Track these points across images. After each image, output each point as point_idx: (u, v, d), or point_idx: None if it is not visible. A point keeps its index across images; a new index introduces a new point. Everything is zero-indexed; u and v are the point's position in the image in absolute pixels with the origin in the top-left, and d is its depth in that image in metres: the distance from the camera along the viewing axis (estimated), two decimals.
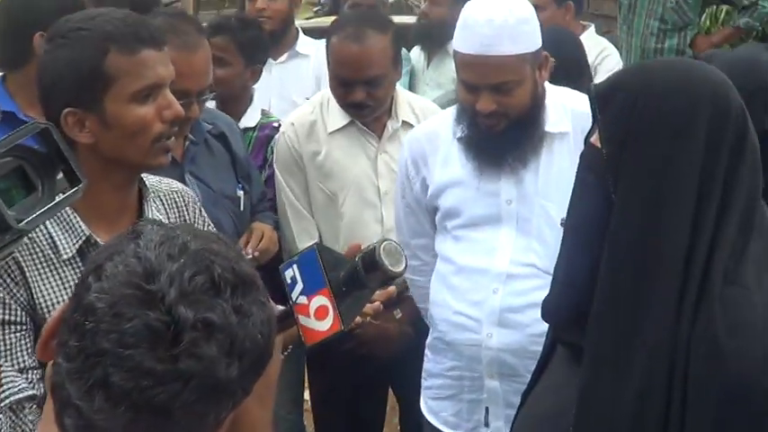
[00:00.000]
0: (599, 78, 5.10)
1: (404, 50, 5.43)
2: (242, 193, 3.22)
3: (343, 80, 3.24)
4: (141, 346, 1.05)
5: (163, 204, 2.23)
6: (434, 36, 5.35)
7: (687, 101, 1.76)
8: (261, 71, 3.77)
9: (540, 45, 2.71)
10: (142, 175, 2.17)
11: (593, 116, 1.87)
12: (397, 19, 6.88)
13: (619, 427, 1.78)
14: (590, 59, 5.17)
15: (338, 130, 3.35)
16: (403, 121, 3.37)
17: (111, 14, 2.01)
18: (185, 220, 2.26)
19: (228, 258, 1.15)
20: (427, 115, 3.36)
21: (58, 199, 1.60)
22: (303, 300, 1.57)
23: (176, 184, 2.34)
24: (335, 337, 1.55)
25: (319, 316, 1.57)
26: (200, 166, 3.05)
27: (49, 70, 2.00)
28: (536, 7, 5.21)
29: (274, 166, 3.45)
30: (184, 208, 2.29)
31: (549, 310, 2.04)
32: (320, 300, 1.58)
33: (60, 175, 1.63)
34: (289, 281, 1.59)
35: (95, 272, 1.11)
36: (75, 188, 1.62)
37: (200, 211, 2.35)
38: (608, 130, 1.81)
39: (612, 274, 1.79)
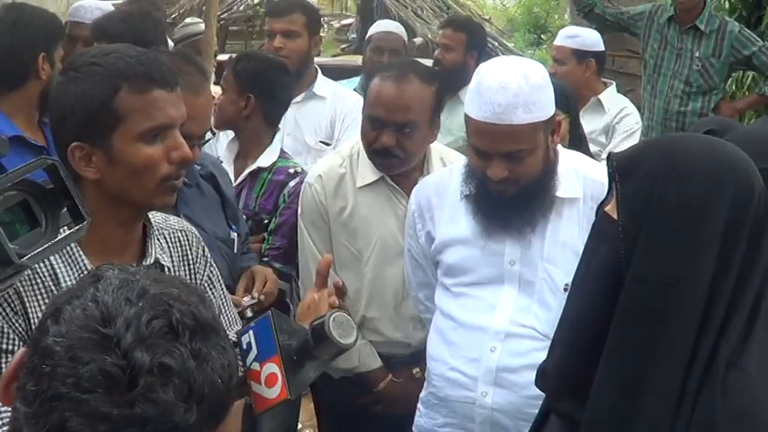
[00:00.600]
0: (616, 138, 5.10)
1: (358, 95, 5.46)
2: (235, 235, 3.18)
3: (375, 120, 3.13)
4: (97, 391, 1.05)
5: (167, 242, 2.22)
6: (448, 83, 5.34)
7: (708, 186, 1.73)
8: (258, 103, 3.70)
9: (554, 111, 2.65)
10: (149, 213, 2.17)
11: (610, 185, 1.84)
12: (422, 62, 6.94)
13: None
14: (609, 118, 5.20)
15: (367, 185, 3.24)
16: None
17: (125, 51, 2.00)
18: (188, 260, 2.26)
19: (188, 303, 1.14)
20: None
21: (61, 235, 1.61)
22: (256, 366, 1.64)
23: (181, 223, 2.33)
24: (282, 404, 1.61)
25: (269, 383, 1.63)
26: (194, 209, 3.01)
27: (60, 103, 2.00)
28: (556, 61, 5.29)
29: (299, 218, 3.35)
30: (188, 247, 2.27)
31: (544, 376, 2.01)
32: (271, 367, 1.65)
33: (64, 210, 1.63)
34: (245, 346, 1.68)
35: (53, 315, 1.11)
36: (79, 226, 1.65)
37: (204, 250, 2.32)
38: (626, 204, 1.78)
39: (617, 352, 1.76)
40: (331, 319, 1.65)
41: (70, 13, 4.44)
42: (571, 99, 3.97)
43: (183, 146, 2.02)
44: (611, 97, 5.31)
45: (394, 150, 3.11)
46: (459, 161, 3.25)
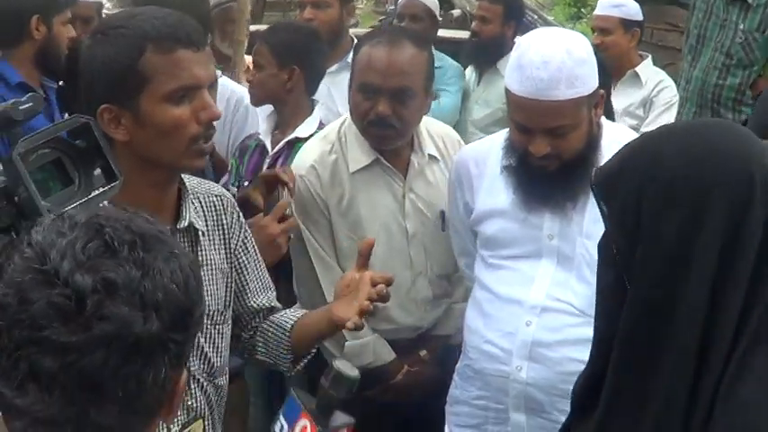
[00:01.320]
0: (654, 111, 5.03)
1: (460, 66, 5.42)
2: None
3: (368, 88, 2.97)
4: (53, 325, 1.07)
5: (201, 206, 2.23)
6: (485, 54, 5.33)
7: (697, 190, 1.57)
8: (300, 74, 3.70)
9: (597, 84, 2.60)
10: (183, 176, 2.18)
11: (600, 205, 1.71)
12: (459, 34, 6.91)
13: None
14: (646, 91, 5.14)
15: (361, 169, 3.09)
16: (429, 155, 3.16)
17: (151, 13, 2.02)
18: (223, 224, 2.27)
19: (120, 219, 1.17)
20: (448, 144, 3.22)
21: (93, 194, 1.60)
22: None
23: (216, 188, 2.34)
24: None
25: None
26: None
27: (88, 66, 2.02)
28: (603, 30, 5.22)
29: (294, 214, 3.12)
30: (222, 212, 2.28)
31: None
32: (302, 422, 1.86)
33: (98, 171, 1.63)
34: (278, 429, 1.91)
35: None
36: (112, 185, 1.63)
37: (238, 215, 2.34)
38: (616, 226, 1.66)
39: (619, 373, 1.66)
40: (337, 366, 1.86)
41: None
42: (607, 72, 3.93)
43: (211, 106, 2.02)
44: (648, 70, 5.27)
45: (390, 120, 2.96)
46: (449, 136, 3.27)
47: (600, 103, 2.66)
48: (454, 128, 5.43)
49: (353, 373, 1.86)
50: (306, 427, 1.87)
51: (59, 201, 1.55)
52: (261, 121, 3.88)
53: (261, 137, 3.72)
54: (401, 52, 2.98)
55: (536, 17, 9.56)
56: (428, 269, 3.16)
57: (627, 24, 5.27)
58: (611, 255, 1.67)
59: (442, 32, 6.37)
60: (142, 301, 1.10)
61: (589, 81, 2.56)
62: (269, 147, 3.66)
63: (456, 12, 10.23)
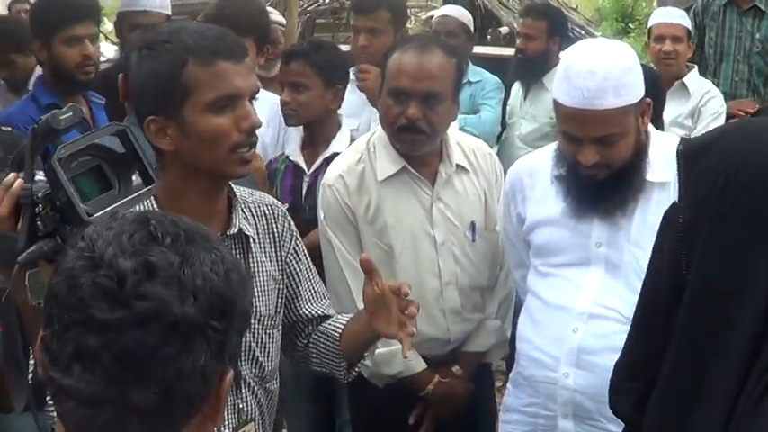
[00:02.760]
0: (703, 122, 5.01)
1: (499, 81, 5.45)
2: None
3: (399, 93, 2.99)
4: (96, 304, 1.11)
5: (252, 215, 2.29)
6: (531, 70, 5.36)
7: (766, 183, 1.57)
8: (343, 92, 3.75)
9: (644, 92, 2.63)
10: (234, 187, 2.24)
11: (678, 176, 1.71)
12: (505, 51, 6.94)
13: None
14: (694, 102, 5.12)
15: (389, 178, 3.09)
16: (457, 165, 3.16)
17: (194, 28, 2.11)
18: (274, 233, 2.33)
19: (167, 216, 1.22)
20: (479, 157, 3.23)
21: (131, 196, 1.67)
22: None
23: (267, 198, 2.40)
24: None
25: None
26: None
27: (136, 80, 2.11)
28: (675, 39, 5.18)
29: (323, 222, 3.16)
30: (273, 221, 2.34)
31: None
32: None
33: (136, 176, 1.69)
34: None
35: (54, 271, 1.20)
36: (149, 187, 1.70)
37: (290, 224, 2.39)
38: (688, 196, 1.67)
39: (676, 360, 1.65)
40: None
41: (128, 2, 4.53)
42: (659, 84, 3.95)
43: (251, 114, 2.08)
44: (695, 80, 5.25)
45: (420, 125, 2.98)
46: (480, 149, 3.27)
47: (647, 111, 2.68)
48: (502, 143, 5.53)
49: None
50: None
51: (100, 205, 1.61)
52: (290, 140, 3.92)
53: (290, 157, 3.75)
54: (431, 58, 3.01)
55: (583, 33, 9.57)
56: (458, 279, 3.16)
57: (689, 34, 5.30)
58: (675, 226, 1.67)
59: (488, 50, 6.42)
60: (180, 284, 1.13)
61: (635, 90, 2.59)
62: (303, 166, 3.70)
63: (504, 29, 10.27)
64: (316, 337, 2.44)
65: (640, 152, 2.66)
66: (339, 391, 3.77)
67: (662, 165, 2.68)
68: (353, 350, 2.41)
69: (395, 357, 3.12)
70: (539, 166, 2.88)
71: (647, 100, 2.67)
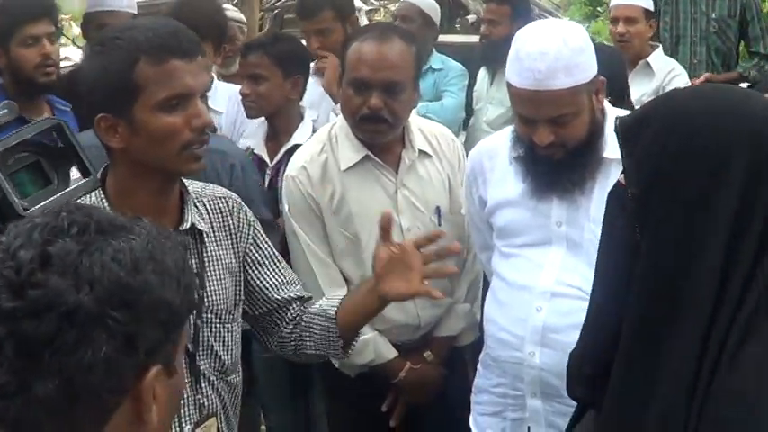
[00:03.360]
0: None
1: (463, 68, 5.46)
2: None
3: (360, 83, 2.99)
4: (1, 295, 1.13)
5: (206, 209, 2.28)
6: (496, 55, 5.36)
7: (721, 141, 1.59)
8: (303, 83, 3.76)
9: (596, 71, 2.64)
10: (186, 182, 2.23)
11: (621, 153, 1.72)
12: (470, 38, 6.95)
13: None
14: (658, 81, 5.14)
15: (352, 167, 3.11)
16: (420, 151, 3.18)
17: (147, 25, 2.09)
18: (229, 226, 2.32)
19: (82, 207, 1.22)
20: (441, 142, 3.25)
21: (68, 189, 1.68)
22: None
23: (221, 190, 2.39)
24: None
25: None
26: None
27: (87, 77, 2.11)
28: (629, 20, 5.21)
29: (287, 214, 3.19)
30: (228, 214, 2.33)
31: (569, 365, 1.93)
32: None
33: (74, 171, 1.68)
34: None
35: None
36: (85, 180, 1.71)
37: (246, 214, 2.38)
38: (633, 171, 1.68)
39: (633, 333, 1.66)
40: None
41: (94, 3, 4.49)
42: (620, 62, 3.96)
43: (203, 113, 2.09)
44: (660, 59, 5.27)
45: (383, 114, 2.99)
46: (443, 134, 3.29)
47: (601, 89, 2.69)
48: (470, 129, 5.54)
49: None
50: None
51: (38, 200, 1.61)
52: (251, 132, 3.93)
53: (255, 150, 3.77)
54: (391, 47, 3.02)
55: (550, 18, 9.57)
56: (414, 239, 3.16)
57: (648, 14, 5.31)
58: (624, 202, 1.69)
59: (455, 38, 6.41)
60: (76, 273, 1.13)
61: (587, 69, 2.60)
62: (266, 158, 3.71)
63: (471, 17, 10.28)
64: (308, 319, 2.43)
65: (596, 130, 2.67)
66: (313, 383, 3.78)
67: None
68: (352, 327, 2.42)
69: (366, 346, 3.13)
70: (497, 149, 2.89)
71: (601, 78, 2.68)
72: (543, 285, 2.72)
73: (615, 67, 3.84)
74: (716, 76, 5.78)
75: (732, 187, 1.57)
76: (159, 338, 1.20)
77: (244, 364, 2.36)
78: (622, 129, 1.70)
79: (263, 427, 4.23)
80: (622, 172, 1.73)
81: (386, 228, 2.36)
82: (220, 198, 2.33)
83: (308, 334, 2.43)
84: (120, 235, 1.19)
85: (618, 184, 1.74)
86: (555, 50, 2.53)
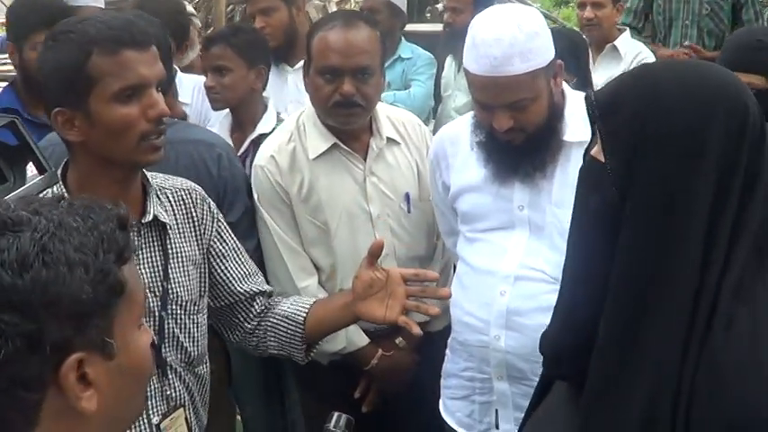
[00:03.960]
0: None
1: (431, 56, 5.48)
2: None
3: (330, 70, 3.01)
4: None
5: (170, 201, 2.29)
6: (460, 43, 5.35)
7: (698, 117, 1.62)
8: (266, 72, 3.77)
9: (553, 55, 2.65)
10: (149, 174, 2.24)
11: (592, 126, 1.75)
12: (436, 27, 6.96)
13: None
14: (626, 64, 5.18)
15: (321, 155, 3.12)
16: (388, 138, 3.19)
17: (100, 18, 2.10)
18: (193, 217, 2.33)
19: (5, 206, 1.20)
20: (409, 129, 3.27)
21: (24, 187, 1.67)
22: None
23: (185, 183, 2.39)
24: None
25: None
26: None
27: (42, 72, 2.11)
28: (595, 4, 5.24)
29: (257, 203, 3.19)
30: (192, 205, 2.34)
31: (547, 344, 1.92)
32: None
33: (30, 167, 1.68)
34: None
35: None
36: (42, 176, 1.69)
37: (210, 206, 2.40)
38: (612, 144, 1.68)
39: (617, 302, 1.68)
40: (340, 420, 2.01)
41: None
42: (582, 46, 3.99)
43: (159, 103, 2.09)
44: (627, 43, 5.31)
45: (356, 99, 3.01)
46: (410, 121, 3.30)
47: (559, 72, 2.70)
48: (439, 116, 5.56)
49: (349, 418, 2.02)
50: None
51: None
52: (216, 124, 3.93)
53: None
54: (358, 32, 3.04)
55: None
56: (395, 251, 3.19)
57: None
58: (602, 177, 1.69)
59: (422, 27, 6.42)
60: None
61: (544, 53, 2.61)
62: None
63: (440, 6, 10.27)
64: (274, 320, 2.45)
65: (555, 114, 2.69)
66: (286, 372, 3.79)
67: (579, 124, 2.69)
68: (319, 333, 2.46)
69: (338, 334, 3.11)
70: (459, 134, 2.91)
71: (558, 62, 2.69)
72: (507, 269, 2.73)
73: (577, 51, 3.88)
74: (704, 51, 5.83)
75: (709, 164, 1.61)
76: (69, 330, 1.18)
77: (224, 357, 2.36)
78: (598, 104, 1.72)
79: (238, 417, 4.23)
80: (586, 150, 1.76)
81: (374, 255, 2.37)
82: (184, 190, 2.34)
83: (272, 334, 2.46)
84: (7, 233, 1.16)
85: (592, 159, 1.74)
86: (510, 36, 2.54)
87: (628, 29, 5.48)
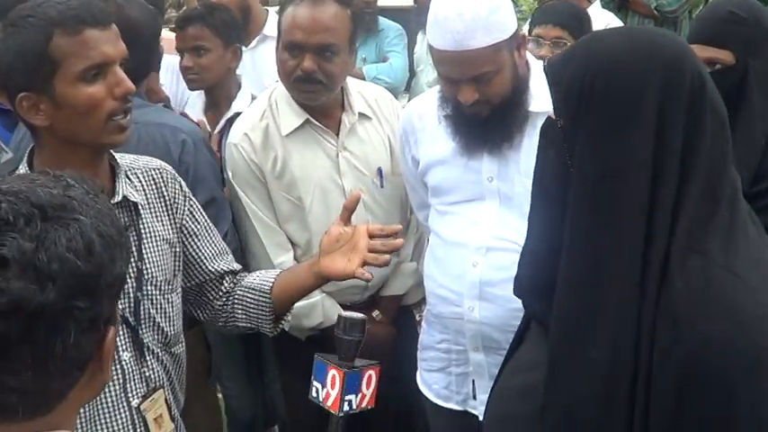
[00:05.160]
0: None
1: (401, 27, 5.49)
2: None
3: (293, 46, 3.04)
4: None
5: (140, 181, 2.29)
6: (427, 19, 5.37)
7: (636, 76, 1.73)
8: (240, 51, 3.79)
9: (516, 26, 2.67)
10: (117, 155, 2.24)
11: (549, 88, 1.86)
12: (404, 2, 6.96)
13: (586, 404, 1.78)
14: None
15: (293, 131, 3.14)
16: (360, 114, 3.22)
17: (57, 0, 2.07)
18: (164, 197, 2.33)
19: (20, 192, 1.18)
20: (381, 105, 3.30)
21: None
22: (324, 390, 2.19)
23: (155, 162, 2.39)
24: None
25: (332, 385, 2.17)
26: None
27: (3, 58, 2.07)
28: None
29: (232, 181, 3.21)
30: (163, 185, 2.34)
31: (519, 284, 2.06)
32: (330, 373, 2.18)
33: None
34: (314, 393, 2.21)
35: None
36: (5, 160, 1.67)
37: (181, 185, 2.39)
38: (560, 103, 1.81)
39: (573, 251, 1.79)
40: (341, 312, 2.23)
41: None
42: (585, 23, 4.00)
43: (124, 81, 2.09)
44: (597, 13, 5.30)
45: (317, 75, 3.03)
46: (383, 97, 3.32)
47: (523, 44, 2.73)
48: (412, 91, 5.57)
49: (359, 316, 2.21)
50: (334, 376, 2.16)
51: None
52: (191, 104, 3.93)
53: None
54: (324, 10, 3.05)
55: None
56: (369, 225, 3.20)
57: None
58: (556, 134, 1.83)
59: (390, 2, 6.42)
60: (37, 271, 1.12)
61: (506, 26, 2.63)
62: (208, 128, 3.70)
63: None
64: (240, 292, 2.46)
65: (520, 85, 2.71)
66: (265, 349, 3.81)
67: (544, 94, 2.72)
68: (285, 302, 2.46)
69: (314, 309, 3.18)
70: (427, 109, 2.93)
71: (522, 33, 2.72)
72: (478, 241, 2.76)
73: (581, 24, 3.90)
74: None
75: (647, 120, 1.71)
76: (113, 307, 1.24)
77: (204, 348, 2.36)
78: (549, 69, 1.84)
79: (219, 395, 4.26)
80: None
81: (349, 209, 2.40)
82: (154, 170, 2.34)
83: (240, 307, 2.47)
84: (66, 219, 1.18)
85: (548, 118, 1.87)
86: (471, 10, 2.57)
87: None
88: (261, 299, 2.44)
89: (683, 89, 1.73)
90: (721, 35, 2.68)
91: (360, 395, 2.18)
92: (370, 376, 2.21)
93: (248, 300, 2.45)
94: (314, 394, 2.20)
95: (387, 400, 3.34)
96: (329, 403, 2.16)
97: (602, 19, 5.30)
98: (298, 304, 3.05)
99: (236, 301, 2.47)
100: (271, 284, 2.44)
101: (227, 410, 4.24)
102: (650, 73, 1.72)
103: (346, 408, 2.16)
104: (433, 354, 2.98)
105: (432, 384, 3.01)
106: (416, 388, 3.08)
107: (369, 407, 2.21)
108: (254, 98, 3.63)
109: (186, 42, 3.78)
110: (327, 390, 2.17)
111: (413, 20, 5.67)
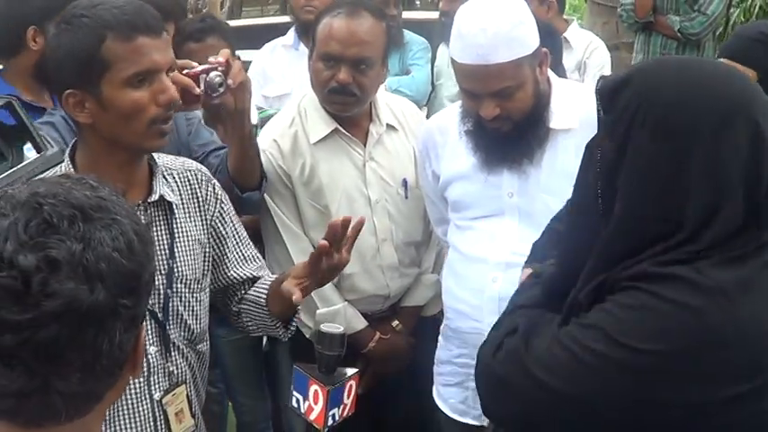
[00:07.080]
0: (589, 74, 5.09)
1: (425, 41, 5.50)
2: None
3: (330, 57, 3.06)
4: (6, 306, 1.11)
5: (176, 181, 2.35)
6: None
7: (691, 118, 1.63)
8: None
9: (538, 43, 2.69)
10: (155, 154, 2.30)
11: (598, 111, 1.79)
12: (430, 15, 6.98)
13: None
14: (578, 54, 5.18)
15: (322, 140, 3.16)
16: (387, 125, 3.25)
17: (111, 3, 2.12)
18: (197, 197, 2.39)
19: (57, 194, 1.19)
20: (408, 117, 3.32)
21: (20, 165, 1.72)
22: (306, 404, 2.16)
23: (191, 164, 2.45)
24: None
25: (315, 400, 2.14)
26: None
27: (53, 54, 2.13)
28: None
29: None
30: (197, 186, 2.39)
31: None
32: (312, 388, 2.14)
33: (29, 147, 1.72)
34: (294, 404, 2.19)
35: None
36: (37, 156, 1.74)
37: (214, 187, 2.44)
38: (608, 130, 1.73)
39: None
40: (321, 325, 2.19)
41: None
42: (556, 36, 4.00)
43: (169, 88, 2.14)
44: (576, 33, 5.30)
45: (351, 88, 3.06)
46: (409, 108, 3.35)
47: (544, 61, 2.75)
48: (431, 104, 5.57)
49: (338, 330, 2.17)
50: (317, 392, 2.14)
51: None
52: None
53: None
54: (361, 23, 3.08)
55: None
56: (393, 236, 3.24)
57: None
58: (594, 157, 1.77)
59: (413, 14, 6.44)
60: (86, 273, 1.13)
61: (528, 41, 2.66)
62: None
63: None
64: (245, 305, 2.49)
65: (541, 101, 2.74)
66: (280, 362, 3.81)
67: (565, 112, 2.77)
68: (282, 312, 2.45)
69: (336, 317, 3.19)
70: (448, 123, 2.95)
71: (544, 50, 2.73)
72: (498, 257, 2.78)
73: (551, 38, 3.89)
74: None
75: (698, 168, 1.62)
76: (146, 305, 1.26)
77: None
78: (601, 90, 1.77)
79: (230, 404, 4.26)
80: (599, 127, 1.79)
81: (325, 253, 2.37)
82: (190, 171, 2.39)
83: (248, 318, 2.50)
84: (105, 219, 1.19)
85: (595, 136, 1.80)
86: (495, 26, 2.60)
87: (575, 19, 5.49)
88: (260, 311, 2.47)
89: (737, 149, 1.63)
90: (746, 53, 2.67)
91: (342, 406, 2.19)
92: (351, 386, 2.21)
93: (252, 312, 2.48)
94: (294, 404, 2.20)
95: (403, 410, 3.39)
96: (312, 417, 2.17)
97: (584, 38, 5.30)
98: (320, 311, 3.12)
99: (243, 311, 2.50)
100: (264, 297, 2.46)
101: (238, 426, 4.22)
102: (703, 126, 1.63)
103: (330, 422, 2.17)
104: (451, 368, 2.99)
105: (448, 399, 3.02)
106: (432, 398, 3.09)
107: (350, 413, 2.22)
108: (259, 109, 3.69)
109: (206, 53, 3.75)
110: (310, 403, 2.17)
111: (436, 33, 5.67)
